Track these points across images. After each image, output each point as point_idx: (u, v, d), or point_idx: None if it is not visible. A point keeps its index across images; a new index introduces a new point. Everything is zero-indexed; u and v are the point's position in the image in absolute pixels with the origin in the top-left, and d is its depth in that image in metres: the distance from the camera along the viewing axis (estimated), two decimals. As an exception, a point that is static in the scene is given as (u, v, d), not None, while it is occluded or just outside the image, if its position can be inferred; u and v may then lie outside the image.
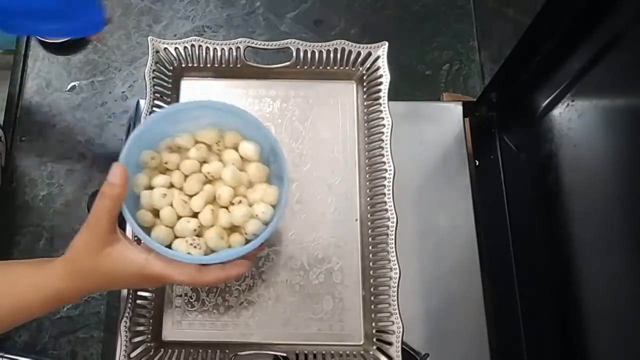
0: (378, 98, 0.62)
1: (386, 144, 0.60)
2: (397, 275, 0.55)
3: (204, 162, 0.52)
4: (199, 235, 0.49)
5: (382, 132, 0.60)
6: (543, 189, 0.63)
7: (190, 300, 0.59)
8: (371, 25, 0.97)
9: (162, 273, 0.45)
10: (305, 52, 0.64)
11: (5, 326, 0.45)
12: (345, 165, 0.64)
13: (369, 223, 0.60)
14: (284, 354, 0.55)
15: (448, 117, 0.74)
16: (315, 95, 0.66)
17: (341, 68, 0.65)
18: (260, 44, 0.63)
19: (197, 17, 1.06)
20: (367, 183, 0.62)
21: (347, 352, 0.56)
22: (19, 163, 0.88)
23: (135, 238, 0.55)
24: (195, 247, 0.47)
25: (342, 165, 0.64)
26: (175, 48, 0.64)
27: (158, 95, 0.62)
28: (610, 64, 0.52)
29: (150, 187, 0.50)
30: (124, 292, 0.55)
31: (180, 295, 0.59)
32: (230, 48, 0.63)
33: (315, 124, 0.65)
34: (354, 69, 0.65)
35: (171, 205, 0.49)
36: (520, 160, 0.70)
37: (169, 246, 0.48)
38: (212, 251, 0.48)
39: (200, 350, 0.56)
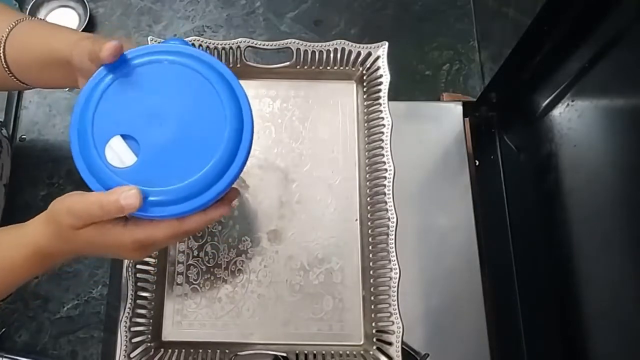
0: (378, 98, 0.62)
1: (386, 144, 0.60)
2: (397, 275, 0.55)
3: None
4: None
5: (382, 132, 0.60)
6: (543, 189, 0.63)
7: (191, 300, 0.59)
8: (371, 25, 0.97)
9: (143, 235, 0.43)
10: (305, 52, 0.64)
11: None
12: (345, 165, 0.64)
13: (369, 223, 0.60)
14: (284, 354, 0.55)
15: (448, 117, 0.74)
16: (315, 95, 0.66)
17: (341, 68, 0.65)
18: (260, 44, 0.63)
19: (197, 17, 1.06)
20: (367, 183, 0.62)
21: (347, 352, 0.56)
22: (19, 163, 0.88)
23: None
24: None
25: (342, 165, 0.64)
26: (175, 48, 0.63)
27: (158, 95, 0.62)
28: (610, 64, 0.52)
29: None
30: (124, 292, 0.55)
31: (181, 295, 0.59)
32: (231, 48, 0.63)
33: (315, 124, 0.65)
34: (354, 69, 0.65)
35: None
36: (520, 160, 0.70)
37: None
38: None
39: (200, 350, 0.56)
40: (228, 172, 0.42)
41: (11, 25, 0.51)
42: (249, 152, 0.43)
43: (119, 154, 0.41)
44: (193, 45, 0.62)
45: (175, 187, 0.41)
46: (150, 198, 0.41)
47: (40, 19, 0.82)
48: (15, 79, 0.53)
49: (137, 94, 0.43)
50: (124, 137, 0.42)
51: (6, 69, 0.52)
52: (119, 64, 0.43)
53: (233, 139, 0.42)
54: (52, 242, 0.44)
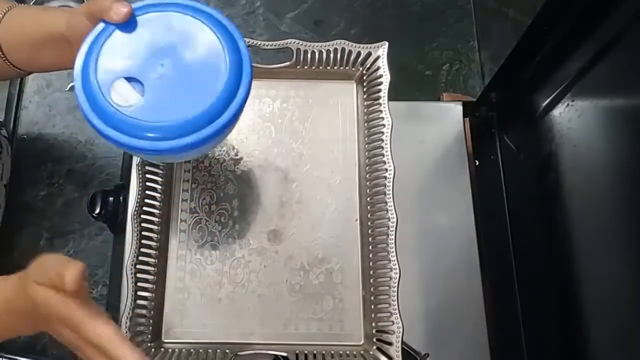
0: (378, 98, 0.62)
1: (386, 144, 0.60)
2: (397, 275, 0.55)
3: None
4: None
5: (382, 132, 0.60)
6: (543, 189, 0.63)
7: (191, 301, 0.59)
8: (371, 25, 0.97)
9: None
10: (305, 52, 0.64)
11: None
12: (345, 165, 0.64)
13: (369, 223, 0.60)
14: (284, 354, 0.55)
15: (448, 117, 0.74)
16: (315, 95, 0.66)
17: (341, 68, 0.65)
18: (260, 44, 0.63)
19: (197, 17, 1.06)
20: (367, 183, 0.62)
21: (347, 352, 0.56)
22: (19, 163, 0.88)
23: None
24: None
25: (342, 165, 0.64)
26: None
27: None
28: (610, 64, 0.52)
29: None
30: (124, 292, 0.55)
31: (181, 296, 0.59)
32: (230, 48, 0.63)
33: (315, 124, 0.65)
34: (354, 69, 0.65)
35: None
36: (520, 160, 0.70)
37: None
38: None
39: (201, 350, 0.56)
40: (228, 109, 0.44)
41: (3, 12, 0.51)
42: (248, 91, 0.45)
43: (123, 94, 0.43)
44: None
45: (179, 120, 0.43)
46: (154, 134, 0.43)
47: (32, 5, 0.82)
48: (11, 65, 0.53)
49: (138, 40, 0.45)
50: (128, 79, 0.43)
51: (2, 56, 0.52)
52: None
53: (233, 77, 0.44)
54: (18, 296, 0.42)
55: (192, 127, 0.43)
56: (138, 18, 0.45)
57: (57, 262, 0.40)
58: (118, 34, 0.44)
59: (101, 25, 0.45)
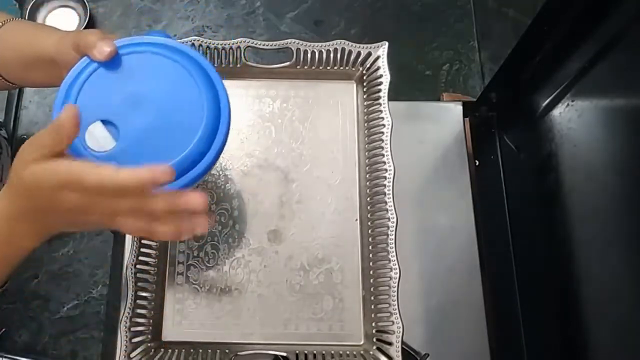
0: (378, 98, 0.62)
1: (386, 144, 0.60)
2: (397, 275, 0.55)
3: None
4: None
5: (382, 132, 0.60)
6: (543, 189, 0.63)
7: (191, 300, 0.59)
8: (371, 25, 0.97)
9: (94, 173, 0.39)
10: (305, 52, 0.64)
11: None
12: (345, 165, 0.64)
13: (369, 223, 0.60)
14: (284, 354, 0.55)
15: (448, 117, 0.74)
16: (315, 95, 0.66)
17: (341, 68, 0.65)
18: (260, 44, 0.63)
19: (197, 17, 1.06)
20: (367, 183, 0.62)
21: (347, 352, 0.56)
22: (19, 163, 0.88)
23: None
24: None
25: (342, 165, 0.64)
26: (175, 48, 0.64)
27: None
28: (610, 64, 0.52)
29: None
30: (124, 292, 0.55)
31: (181, 295, 0.59)
32: (231, 48, 0.63)
33: (315, 124, 0.65)
34: (354, 69, 0.65)
35: None
36: (520, 160, 0.70)
37: None
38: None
39: (201, 350, 0.56)
40: (204, 159, 0.43)
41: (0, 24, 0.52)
42: (225, 139, 0.45)
43: (98, 138, 0.42)
44: (193, 45, 0.62)
45: None
46: None
47: (26, 19, 0.83)
48: (2, 79, 0.53)
49: (118, 82, 0.44)
50: (104, 122, 0.43)
51: None
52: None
53: (210, 126, 0.44)
54: (6, 202, 0.42)
55: None
56: (122, 57, 0.45)
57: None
58: (99, 75, 0.44)
59: (85, 61, 0.45)
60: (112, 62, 0.44)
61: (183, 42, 0.60)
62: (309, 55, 0.64)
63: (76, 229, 0.45)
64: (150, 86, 0.44)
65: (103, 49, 0.43)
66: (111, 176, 0.38)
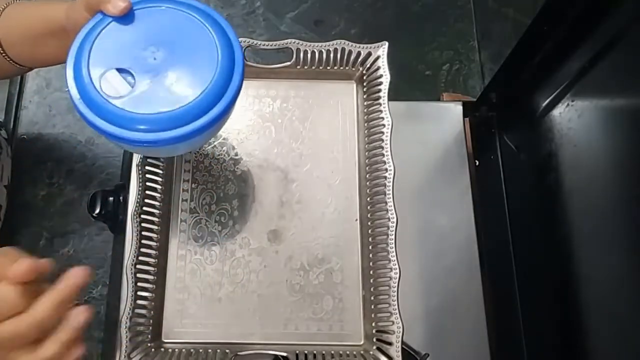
0: (378, 98, 0.62)
1: (386, 144, 0.60)
2: (397, 275, 0.55)
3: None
4: None
5: (382, 132, 0.60)
6: (543, 189, 0.63)
7: (191, 300, 0.59)
8: (371, 25, 0.97)
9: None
10: (305, 52, 0.64)
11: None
12: (345, 165, 0.64)
13: (369, 223, 0.60)
14: (284, 354, 0.55)
15: (448, 117, 0.74)
16: (315, 95, 0.66)
17: (341, 68, 0.65)
18: (260, 44, 0.63)
19: (197, 17, 1.06)
20: (367, 183, 0.62)
21: (347, 352, 0.56)
22: (19, 163, 0.88)
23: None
24: None
25: (342, 165, 0.64)
26: (175, 48, 0.64)
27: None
28: (610, 64, 0.52)
29: None
30: (124, 292, 0.55)
31: (181, 296, 0.59)
32: (230, 48, 0.63)
33: (315, 124, 0.65)
34: (354, 69, 0.65)
35: None
36: (520, 160, 0.70)
37: None
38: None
39: (201, 350, 0.56)
40: (219, 103, 0.44)
41: (2, 7, 0.52)
42: (240, 85, 0.45)
43: (114, 85, 0.43)
44: None
45: (168, 112, 0.42)
46: (142, 125, 0.42)
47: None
48: (11, 61, 0.53)
49: (132, 32, 0.45)
50: (119, 70, 0.43)
51: (1, 52, 0.52)
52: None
53: (225, 71, 0.44)
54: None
55: (181, 120, 0.43)
56: (135, 11, 0.45)
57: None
58: (113, 26, 0.45)
59: (98, 17, 0.45)
60: (126, 16, 0.45)
61: None
62: (309, 55, 0.64)
63: None
64: (164, 35, 0.45)
65: (118, 3, 0.44)
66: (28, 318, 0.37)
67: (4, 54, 0.53)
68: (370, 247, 0.60)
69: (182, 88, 0.43)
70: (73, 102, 0.43)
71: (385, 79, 0.62)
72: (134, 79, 0.43)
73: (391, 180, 0.58)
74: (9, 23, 0.52)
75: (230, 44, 0.46)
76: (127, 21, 0.45)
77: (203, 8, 0.47)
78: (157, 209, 0.59)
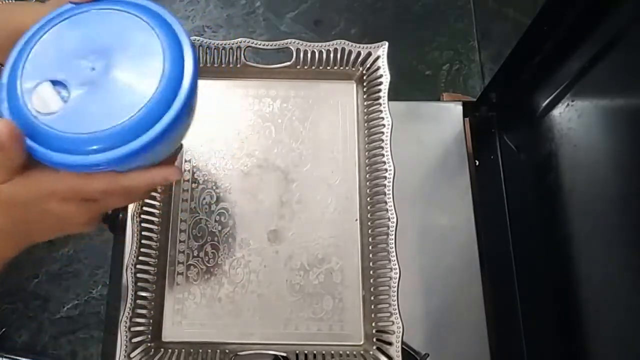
0: (378, 98, 0.62)
1: (386, 144, 0.60)
2: (397, 275, 0.55)
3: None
4: None
5: (382, 132, 0.60)
6: (543, 189, 0.63)
7: (191, 300, 0.59)
8: (371, 25, 0.97)
9: (80, 183, 0.39)
10: (305, 52, 0.64)
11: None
12: (345, 165, 0.64)
13: (369, 223, 0.60)
14: (284, 354, 0.55)
15: (448, 117, 0.74)
16: (315, 95, 0.66)
17: (341, 68, 0.65)
18: (260, 44, 0.63)
19: (197, 17, 1.06)
20: (367, 183, 0.62)
21: (347, 352, 0.56)
22: (19, 163, 0.87)
23: None
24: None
25: (342, 165, 0.64)
26: (175, 48, 0.63)
27: (158, 95, 0.62)
28: (610, 64, 0.52)
29: None
30: (124, 292, 0.55)
31: (181, 295, 0.59)
32: (231, 48, 0.63)
33: (315, 124, 0.65)
34: (354, 69, 0.65)
35: None
36: (520, 160, 0.70)
37: None
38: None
39: (200, 350, 0.56)
40: (162, 120, 0.38)
41: None
42: (186, 103, 0.40)
43: (45, 99, 0.38)
44: (193, 45, 0.62)
45: (101, 132, 0.37)
46: (71, 147, 0.38)
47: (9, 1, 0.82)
48: None
49: (75, 38, 0.40)
50: (54, 82, 0.39)
51: None
52: (65, 12, 0.42)
53: (170, 84, 0.39)
54: None
55: (115, 140, 0.38)
56: (80, 16, 0.41)
57: None
58: (57, 30, 0.40)
59: (43, 20, 0.41)
60: (73, 19, 0.41)
61: None
62: (309, 55, 0.64)
63: (61, 234, 0.44)
64: (107, 43, 0.40)
65: None
66: (117, 181, 0.40)
67: None
68: (370, 247, 0.60)
69: (120, 103, 0.38)
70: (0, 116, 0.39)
71: (385, 79, 0.62)
72: (69, 92, 0.38)
73: (391, 180, 0.58)
74: None
75: (179, 47, 0.41)
76: (73, 25, 0.41)
77: (155, 9, 0.42)
78: (157, 208, 0.59)
